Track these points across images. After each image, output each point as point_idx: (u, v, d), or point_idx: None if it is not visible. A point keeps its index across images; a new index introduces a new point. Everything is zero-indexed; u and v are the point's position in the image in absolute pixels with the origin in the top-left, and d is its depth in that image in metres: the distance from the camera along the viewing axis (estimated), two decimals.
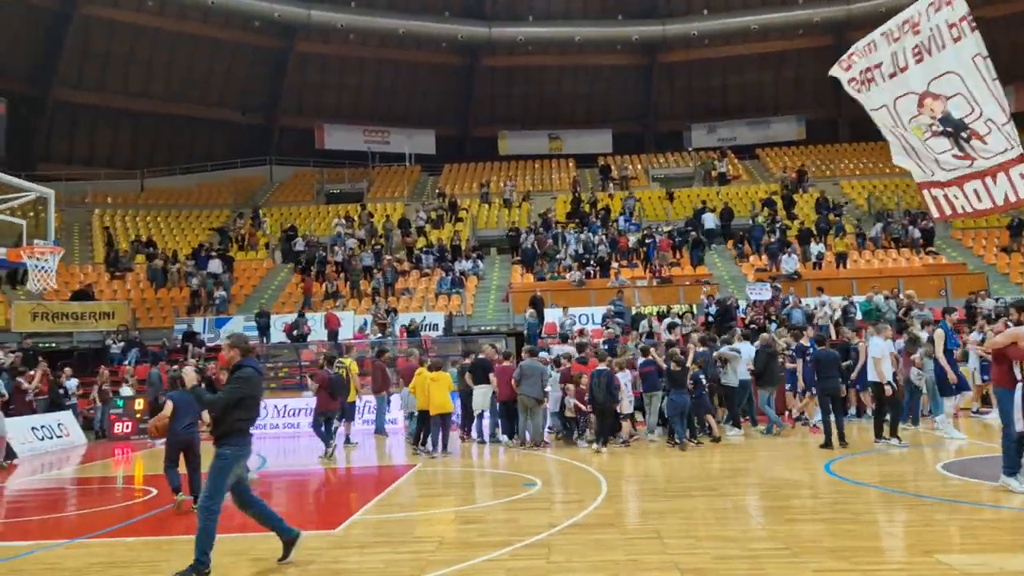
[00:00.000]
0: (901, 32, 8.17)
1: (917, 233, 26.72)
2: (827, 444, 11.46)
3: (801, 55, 41.39)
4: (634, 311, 22.08)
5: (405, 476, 10.43)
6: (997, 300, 22.15)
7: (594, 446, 12.36)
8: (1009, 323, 12.03)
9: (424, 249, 29.04)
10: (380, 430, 16.54)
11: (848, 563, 5.49)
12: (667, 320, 20.47)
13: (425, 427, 13.02)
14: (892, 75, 8.45)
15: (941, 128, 8.23)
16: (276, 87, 41.76)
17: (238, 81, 41.12)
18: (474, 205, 34.46)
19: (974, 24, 7.43)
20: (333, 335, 22.31)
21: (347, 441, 15.09)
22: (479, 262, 28.04)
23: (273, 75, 41.45)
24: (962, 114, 7.85)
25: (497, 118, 44.17)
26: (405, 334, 22.05)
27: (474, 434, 14.52)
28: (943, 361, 12.18)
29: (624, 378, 12.69)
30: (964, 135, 8.02)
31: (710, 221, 28.69)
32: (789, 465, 10.08)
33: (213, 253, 28.58)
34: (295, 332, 22.98)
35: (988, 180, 7.79)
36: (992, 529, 6.39)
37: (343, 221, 31.70)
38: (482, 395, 14.04)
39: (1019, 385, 7.73)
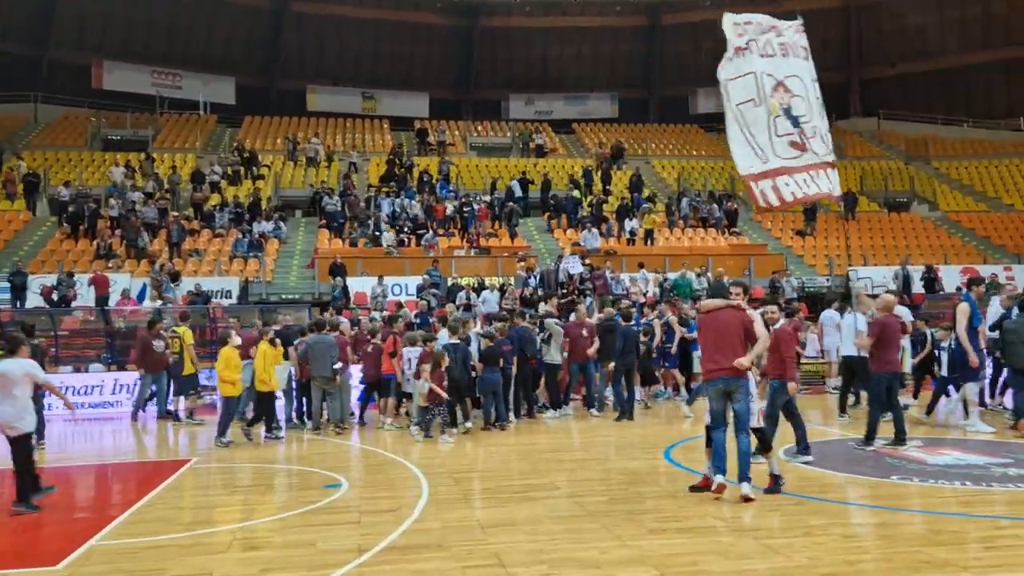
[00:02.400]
0: (770, 28, 9.74)
1: (718, 214, 27.53)
2: (621, 417, 11.94)
3: (617, 33, 41.79)
4: (450, 282, 20.82)
5: (174, 476, 8.42)
6: (797, 280, 23.30)
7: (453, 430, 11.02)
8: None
9: (218, 207, 25.99)
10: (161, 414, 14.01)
11: None
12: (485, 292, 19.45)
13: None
14: (764, 55, 9.68)
15: (785, 116, 9.63)
16: (47, 13, 35.91)
17: None
18: (277, 162, 31.56)
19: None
20: (102, 300, 19.13)
21: (189, 417, 13.37)
22: (281, 224, 25.50)
23: None
24: (799, 114, 9.54)
25: (307, 72, 40.98)
26: (188, 300, 19.28)
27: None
28: (965, 341, 10.20)
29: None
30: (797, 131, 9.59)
31: (517, 189, 27.94)
32: (626, 453, 9.21)
33: None
34: (55, 296, 19.49)
35: (810, 174, 9.46)
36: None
37: (123, 170, 27.70)
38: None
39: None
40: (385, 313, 17.21)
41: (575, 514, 6.32)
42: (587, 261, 21.60)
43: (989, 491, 6.78)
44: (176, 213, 24.82)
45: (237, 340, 11.03)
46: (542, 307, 17.48)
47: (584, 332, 12.62)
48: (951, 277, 23.70)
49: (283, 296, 21.92)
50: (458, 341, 11.43)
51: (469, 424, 11.12)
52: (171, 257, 22.85)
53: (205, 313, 18.08)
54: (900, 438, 8.90)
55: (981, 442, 9.35)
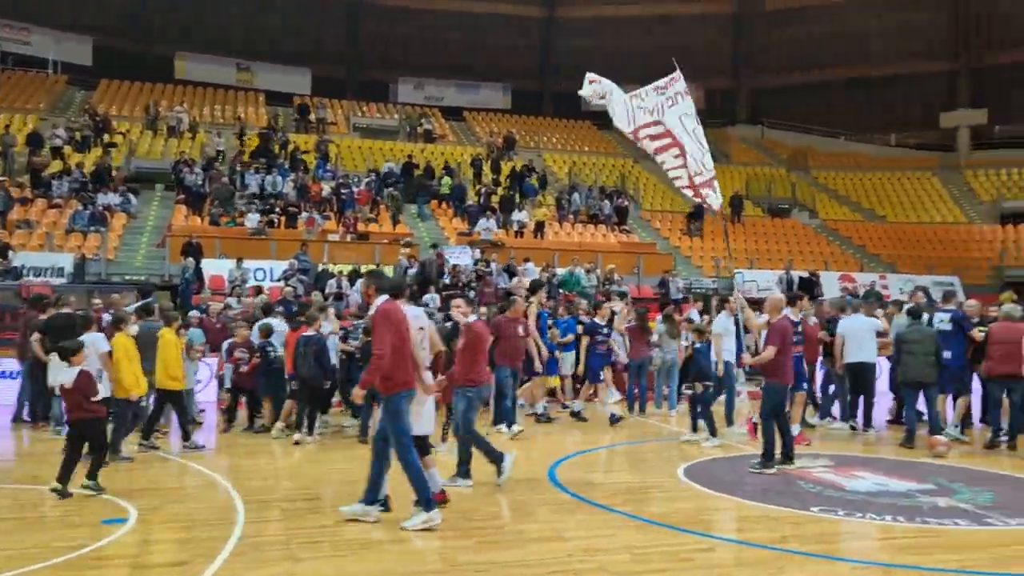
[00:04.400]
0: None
1: (608, 210, 26.76)
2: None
3: (510, 22, 40.63)
4: (320, 267, 18.93)
5: None
6: (684, 281, 22.73)
7: (296, 435, 9.46)
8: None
9: (58, 175, 22.93)
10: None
11: None
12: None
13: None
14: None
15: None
16: None
17: None
18: (135, 130, 28.49)
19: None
20: None
21: None
22: (131, 196, 22.73)
23: None
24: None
25: (175, 37, 37.59)
26: None
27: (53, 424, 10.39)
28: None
29: None
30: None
31: (397, 171, 26.28)
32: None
33: None
34: None
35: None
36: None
37: None
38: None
39: None
40: (248, 299, 15.27)
41: (456, 561, 4.88)
42: (481, 253, 20.22)
43: (926, 529, 5.80)
44: (4, 178, 21.66)
45: (134, 328, 8.82)
46: (428, 299, 15.98)
47: (522, 331, 10.41)
48: (830, 283, 23.81)
49: (126, 277, 19.34)
50: (313, 332, 9.73)
51: (311, 437, 9.47)
52: None
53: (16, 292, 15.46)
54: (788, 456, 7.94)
55: (892, 462, 8.55)
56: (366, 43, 39.95)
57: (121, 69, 35.09)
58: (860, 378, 10.59)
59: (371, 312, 6.16)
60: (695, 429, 9.72)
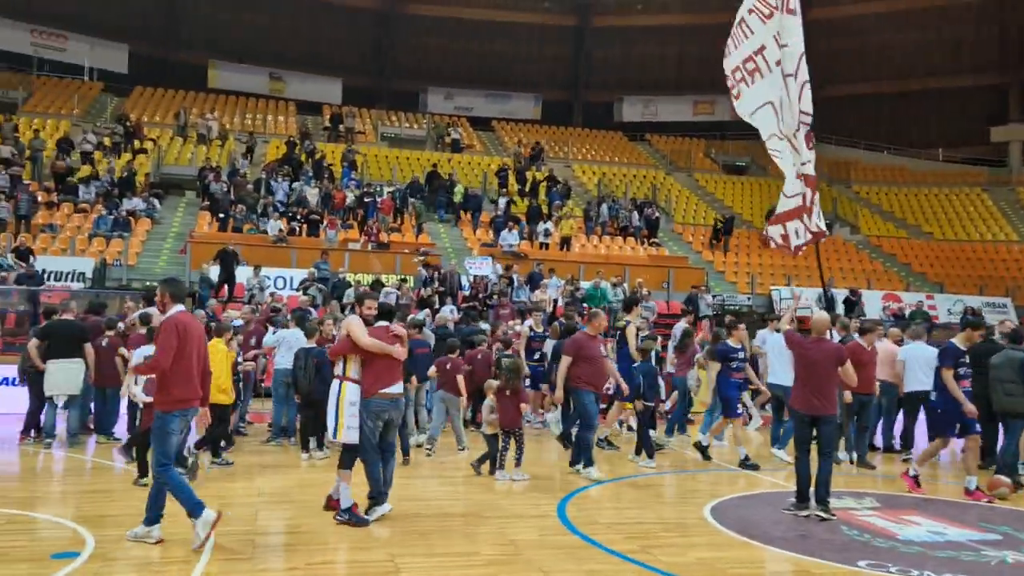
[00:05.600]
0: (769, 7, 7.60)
1: (637, 221, 25.93)
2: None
3: (544, 31, 40.09)
4: (339, 277, 18.43)
5: None
6: (714, 296, 21.81)
7: (303, 454, 9.02)
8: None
9: (85, 179, 22.78)
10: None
11: None
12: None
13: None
14: (777, 63, 7.66)
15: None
16: None
17: None
18: (165, 137, 28.40)
19: None
20: None
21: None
22: (155, 202, 22.51)
23: None
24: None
25: (210, 46, 37.65)
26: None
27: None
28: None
29: None
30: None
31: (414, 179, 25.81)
32: (520, 500, 7.15)
33: None
34: None
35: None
36: None
37: None
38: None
39: None
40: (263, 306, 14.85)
41: None
42: (505, 266, 19.55)
43: None
44: (30, 181, 21.57)
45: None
46: (447, 311, 15.38)
47: (603, 350, 9.25)
48: (873, 302, 22.76)
49: (147, 283, 19.01)
50: (314, 345, 9.15)
51: (321, 452, 8.88)
52: (17, 231, 19.67)
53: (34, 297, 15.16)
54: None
55: (946, 504, 7.68)
56: (397, 52, 39.67)
57: (155, 76, 35.20)
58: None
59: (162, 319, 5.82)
60: (638, 452, 9.32)
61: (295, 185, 23.83)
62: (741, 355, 9.81)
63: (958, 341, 8.17)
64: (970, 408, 7.68)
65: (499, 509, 6.93)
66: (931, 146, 36.84)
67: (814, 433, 6.84)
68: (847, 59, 37.41)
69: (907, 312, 21.30)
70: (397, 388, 6.37)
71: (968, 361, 8.11)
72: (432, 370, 9.71)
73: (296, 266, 19.59)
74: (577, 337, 8.81)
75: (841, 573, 5.32)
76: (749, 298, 23.04)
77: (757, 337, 11.72)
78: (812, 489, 6.77)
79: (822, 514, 6.66)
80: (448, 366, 9.38)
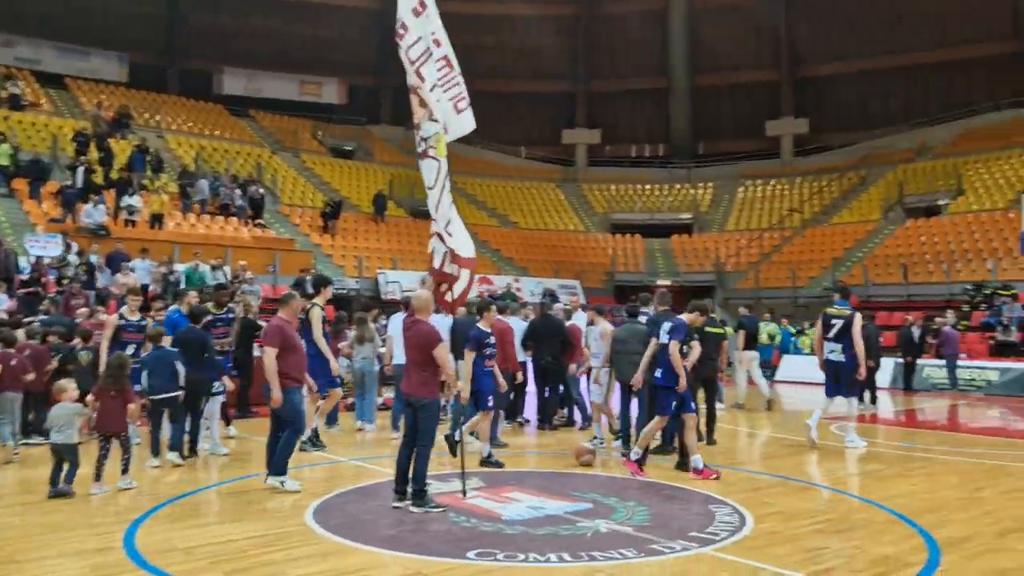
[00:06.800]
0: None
1: (240, 200, 24.22)
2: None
3: None
4: None
5: None
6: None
7: None
8: None
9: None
10: None
11: None
12: None
13: None
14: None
15: None
16: None
17: None
18: None
19: None
20: None
21: None
22: None
23: None
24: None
25: None
26: None
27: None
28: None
29: None
30: None
31: None
32: (79, 533, 5.70)
33: None
34: None
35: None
36: None
37: None
38: None
39: None
40: None
41: None
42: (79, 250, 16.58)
43: (595, 568, 5.07)
44: None
45: None
46: None
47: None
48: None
49: None
50: None
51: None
52: None
53: None
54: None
55: (538, 475, 8.05)
56: None
57: None
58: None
59: None
60: None
61: None
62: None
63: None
64: (683, 385, 7.86)
65: (45, 546, 5.47)
66: (516, 144, 40.58)
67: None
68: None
69: (499, 292, 23.00)
70: None
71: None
72: None
73: None
74: (277, 324, 7.47)
75: (453, 569, 5.06)
76: (357, 281, 22.94)
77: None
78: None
79: (416, 509, 6.41)
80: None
